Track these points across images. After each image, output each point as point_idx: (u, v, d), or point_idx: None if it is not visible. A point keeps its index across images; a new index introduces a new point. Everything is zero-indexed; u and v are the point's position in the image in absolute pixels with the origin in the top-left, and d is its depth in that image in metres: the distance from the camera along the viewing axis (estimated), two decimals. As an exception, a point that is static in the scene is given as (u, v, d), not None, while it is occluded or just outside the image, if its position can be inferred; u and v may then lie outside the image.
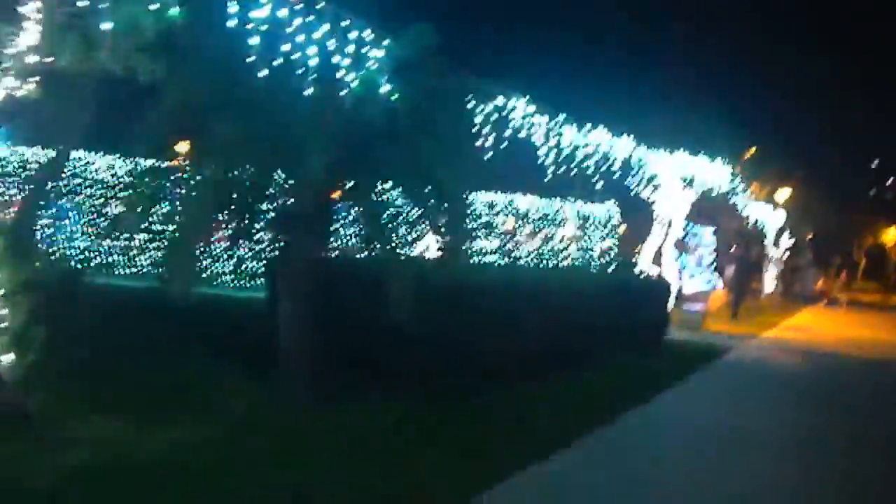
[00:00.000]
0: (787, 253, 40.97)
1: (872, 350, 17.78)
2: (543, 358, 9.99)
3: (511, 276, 11.39)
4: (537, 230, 20.50)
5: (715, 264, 31.13)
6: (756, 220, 30.84)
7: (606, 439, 7.51)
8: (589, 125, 12.30)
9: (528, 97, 10.34)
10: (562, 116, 11.35)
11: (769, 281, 34.44)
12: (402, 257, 8.11)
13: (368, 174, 6.92)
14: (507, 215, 20.28)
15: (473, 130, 9.16)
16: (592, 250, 20.33)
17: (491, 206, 20.39)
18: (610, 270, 19.17)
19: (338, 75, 6.48)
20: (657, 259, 19.07)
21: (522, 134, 10.35)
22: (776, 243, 35.82)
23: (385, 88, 6.69)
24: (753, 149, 29.53)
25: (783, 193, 32.05)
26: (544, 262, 20.11)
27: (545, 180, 11.49)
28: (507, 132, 10.06)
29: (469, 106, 8.86)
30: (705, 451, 7.53)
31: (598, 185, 13.36)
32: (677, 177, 17.45)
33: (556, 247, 20.35)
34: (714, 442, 7.91)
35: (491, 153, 10.55)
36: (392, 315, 6.45)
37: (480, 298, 8.53)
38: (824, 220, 47.76)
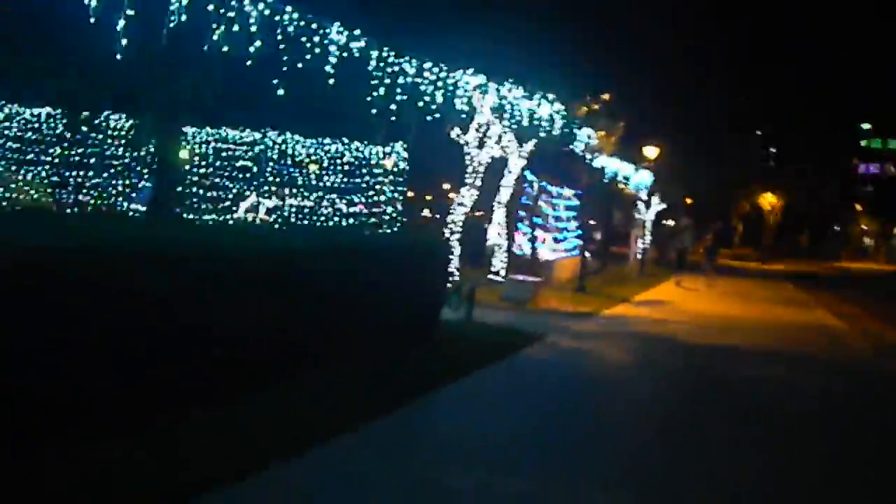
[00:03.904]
0: (661, 218, 38.00)
1: (731, 334, 14.22)
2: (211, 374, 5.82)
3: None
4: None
5: (579, 230, 27.70)
6: (620, 178, 27.50)
7: None
8: (292, 11, 7.63)
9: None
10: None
11: (636, 246, 31.40)
12: None
13: None
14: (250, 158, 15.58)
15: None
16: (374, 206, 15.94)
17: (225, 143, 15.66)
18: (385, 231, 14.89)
19: None
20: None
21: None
22: (647, 206, 32.70)
23: None
24: (607, 95, 25.85)
25: (651, 151, 28.42)
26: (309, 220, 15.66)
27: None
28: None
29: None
30: None
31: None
32: (485, 106, 13.24)
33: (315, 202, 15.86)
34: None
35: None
36: None
37: None
38: (700, 183, 45.36)
